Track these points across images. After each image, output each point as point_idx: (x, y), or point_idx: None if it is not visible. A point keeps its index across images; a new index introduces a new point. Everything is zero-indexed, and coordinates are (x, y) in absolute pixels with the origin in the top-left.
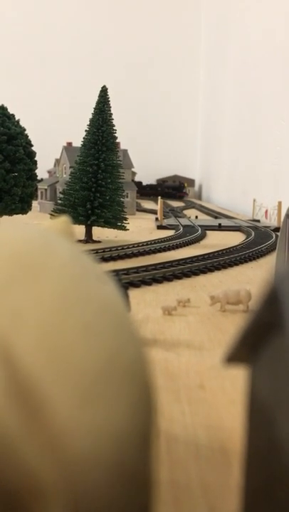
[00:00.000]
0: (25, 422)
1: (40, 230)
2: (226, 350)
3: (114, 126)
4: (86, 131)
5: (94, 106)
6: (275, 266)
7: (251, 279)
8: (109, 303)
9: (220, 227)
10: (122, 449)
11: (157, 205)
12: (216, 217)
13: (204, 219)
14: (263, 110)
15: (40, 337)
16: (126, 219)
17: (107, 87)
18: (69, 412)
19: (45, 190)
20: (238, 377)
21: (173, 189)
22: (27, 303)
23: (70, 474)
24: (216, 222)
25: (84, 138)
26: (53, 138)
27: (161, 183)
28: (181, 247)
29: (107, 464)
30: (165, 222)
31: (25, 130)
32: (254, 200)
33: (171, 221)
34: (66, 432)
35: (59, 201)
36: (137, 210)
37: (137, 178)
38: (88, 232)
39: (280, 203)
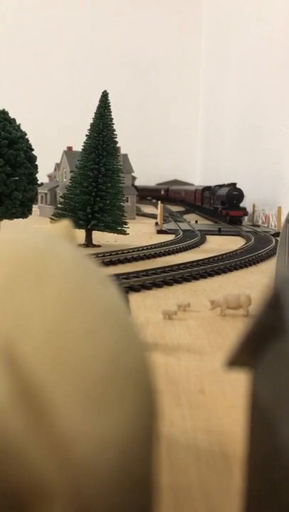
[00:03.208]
0: (30, 423)
1: (43, 234)
2: (227, 354)
3: (114, 130)
4: (87, 135)
5: (94, 111)
6: (275, 271)
7: (251, 283)
8: (112, 306)
9: (220, 232)
10: (125, 451)
11: (157, 210)
12: (215, 222)
13: (204, 223)
14: (264, 115)
15: (44, 339)
16: (126, 223)
17: (107, 92)
18: (73, 415)
19: (46, 194)
20: (239, 381)
21: (229, 203)
22: (31, 306)
23: (74, 476)
24: (215, 227)
25: (84, 142)
26: (54, 142)
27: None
28: (181, 251)
29: (110, 466)
30: (165, 226)
31: (26, 134)
32: (254, 205)
33: (171, 226)
34: (70, 434)
35: (59, 205)
36: (137, 215)
37: (137, 182)
38: (88, 237)
39: (279, 208)
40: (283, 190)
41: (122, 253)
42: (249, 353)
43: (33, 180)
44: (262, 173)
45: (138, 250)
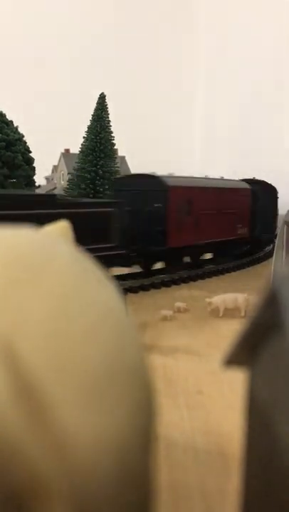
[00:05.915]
0: (29, 422)
1: (40, 233)
2: (224, 353)
3: (112, 132)
4: (84, 137)
5: (92, 113)
6: (273, 271)
7: (249, 284)
8: (111, 306)
9: None
10: (124, 451)
11: None
12: None
13: None
14: (262, 116)
15: (43, 338)
16: None
17: (105, 94)
18: (72, 413)
19: None
20: (237, 382)
21: None
22: (30, 304)
23: (74, 475)
24: None
25: (82, 144)
26: (51, 144)
27: None
28: None
29: (109, 465)
30: None
31: (23, 136)
32: None
33: None
34: (69, 433)
35: None
36: None
37: None
38: None
39: None
40: (280, 192)
41: None
42: (247, 351)
43: (30, 183)
44: (259, 175)
45: None
